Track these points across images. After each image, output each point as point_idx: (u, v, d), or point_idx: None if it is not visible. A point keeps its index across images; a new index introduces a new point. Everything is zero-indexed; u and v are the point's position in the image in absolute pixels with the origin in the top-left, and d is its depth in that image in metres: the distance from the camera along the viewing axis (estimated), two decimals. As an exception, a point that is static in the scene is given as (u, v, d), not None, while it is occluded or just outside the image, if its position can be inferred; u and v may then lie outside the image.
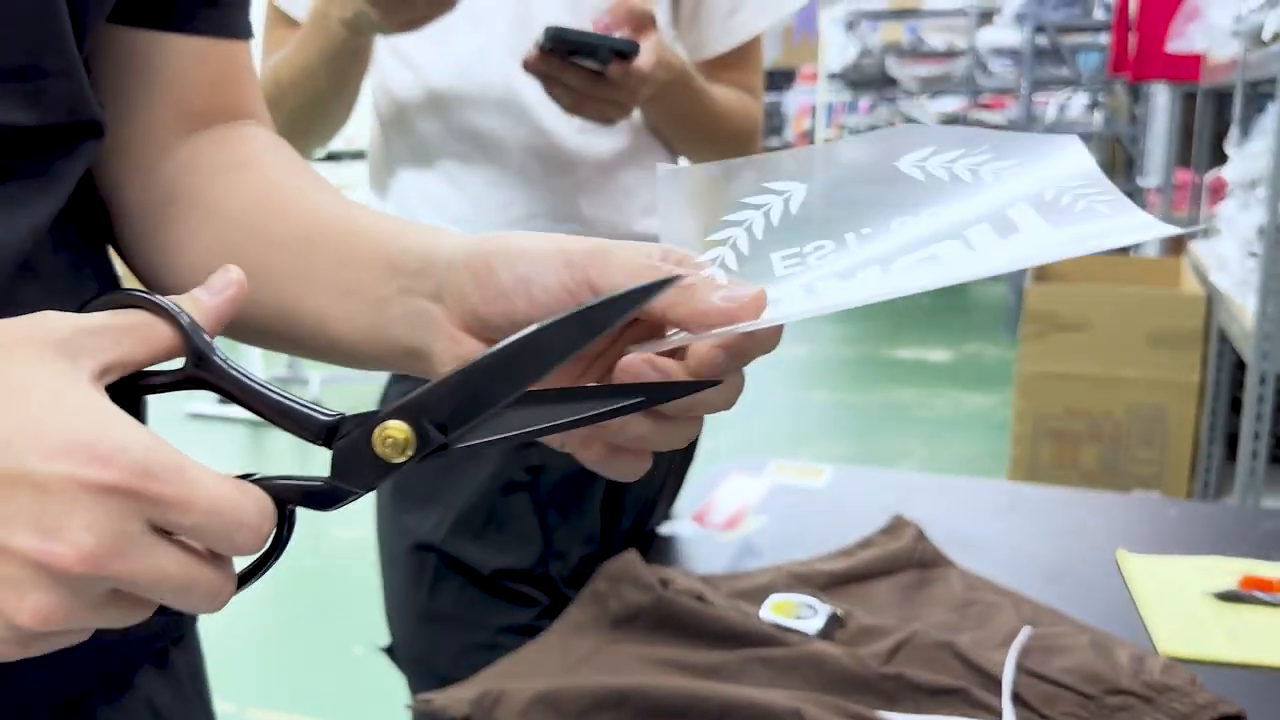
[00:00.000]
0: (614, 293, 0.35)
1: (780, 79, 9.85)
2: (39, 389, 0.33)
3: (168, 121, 0.51)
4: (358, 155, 5.81)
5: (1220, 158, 2.64)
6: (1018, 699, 0.72)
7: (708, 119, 1.01)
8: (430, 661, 0.98)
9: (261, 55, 0.98)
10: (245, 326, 0.48)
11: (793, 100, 10.19)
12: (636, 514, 1.07)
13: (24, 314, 0.42)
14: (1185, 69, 3.36)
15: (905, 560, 0.93)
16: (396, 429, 0.36)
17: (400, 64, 0.98)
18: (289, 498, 0.36)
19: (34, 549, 0.32)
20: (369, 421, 0.36)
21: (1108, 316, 2.69)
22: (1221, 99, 3.13)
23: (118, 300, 0.38)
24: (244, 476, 0.36)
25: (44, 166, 0.44)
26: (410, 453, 0.36)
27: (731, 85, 1.05)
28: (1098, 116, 6.27)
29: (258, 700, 2.21)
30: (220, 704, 0.62)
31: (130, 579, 0.33)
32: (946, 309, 6.30)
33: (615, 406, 0.37)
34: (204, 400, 4.29)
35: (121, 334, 0.37)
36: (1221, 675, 0.77)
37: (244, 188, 0.50)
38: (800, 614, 0.82)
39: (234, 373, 0.37)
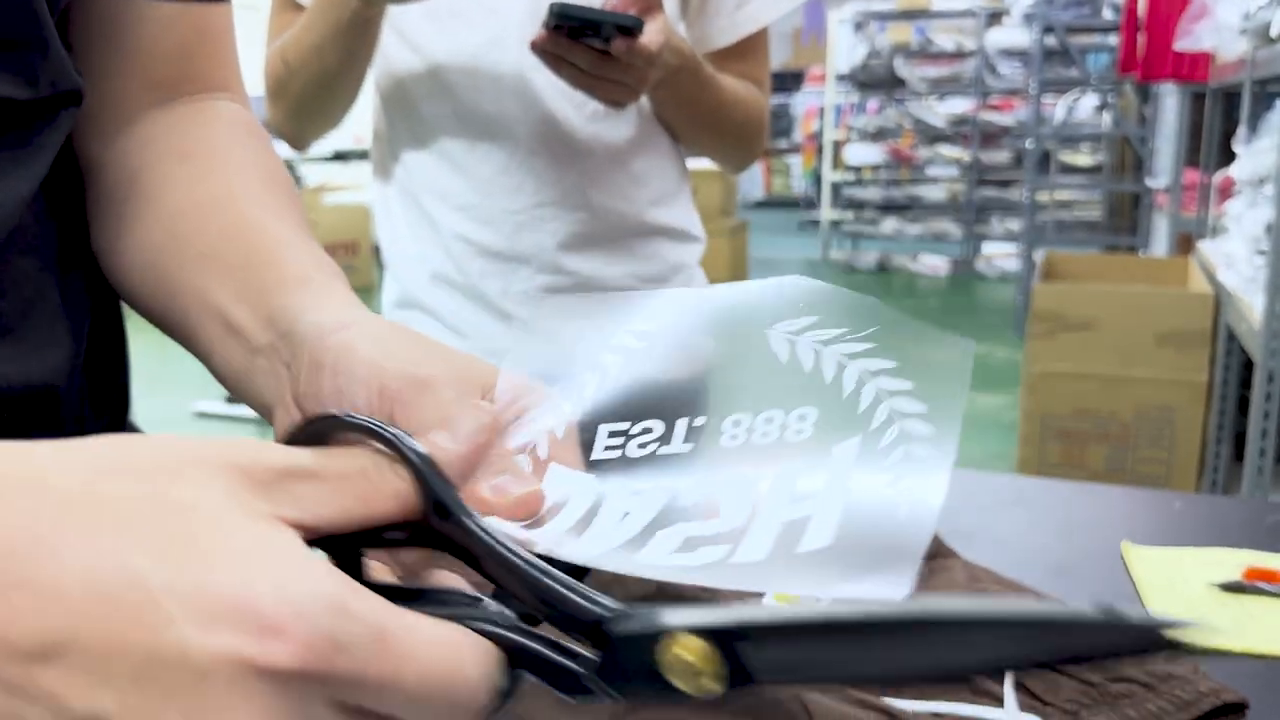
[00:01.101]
0: (1082, 615, 0.25)
1: (788, 80, 9.85)
2: (212, 526, 0.26)
3: (133, 90, 0.50)
4: (364, 155, 5.82)
5: (1229, 158, 2.64)
6: (1020, 686, 0.72)
7: (715, 108, 1.01)
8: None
9: (267, 39, 0.98)
10: (157, 324, 0.47)
11: (801, 102, 10.19)
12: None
13: (17, 286, 0.41)
14: (1194, 68, 3.36)
15: (909, 551, 0.93)
16: (692, 650, 0.27)
17: (407, 49, 0.98)
18: (528, 665, 0.28)
19: None
20: (656, 629, 0.27)
21: (1116, 316, 2.68)
22: (1230, 99, 3.13)
23: (338, 427, 0.32)
24: (473, 600, 0.29)
25: (28, 137, 0.43)
26: (709, 684, 0.27)
27: (739, 77, 1.05)
28: (1106, 117, 6.26)
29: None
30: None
31: None
32: (955, 309, 6.29)
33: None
34: (213, 398, 4.28)
35: (341, 484, 0.30)
36: (1224, 664, 0.77)
37: (181, 184, 0.47)
38: (802, 600, 0.82)
39: (485, 536, 0.30)
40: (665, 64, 0.90)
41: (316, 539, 0.29)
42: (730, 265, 5.58)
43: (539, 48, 0.87)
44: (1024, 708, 0.70)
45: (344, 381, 0.36)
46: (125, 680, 0.24)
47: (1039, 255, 3.52)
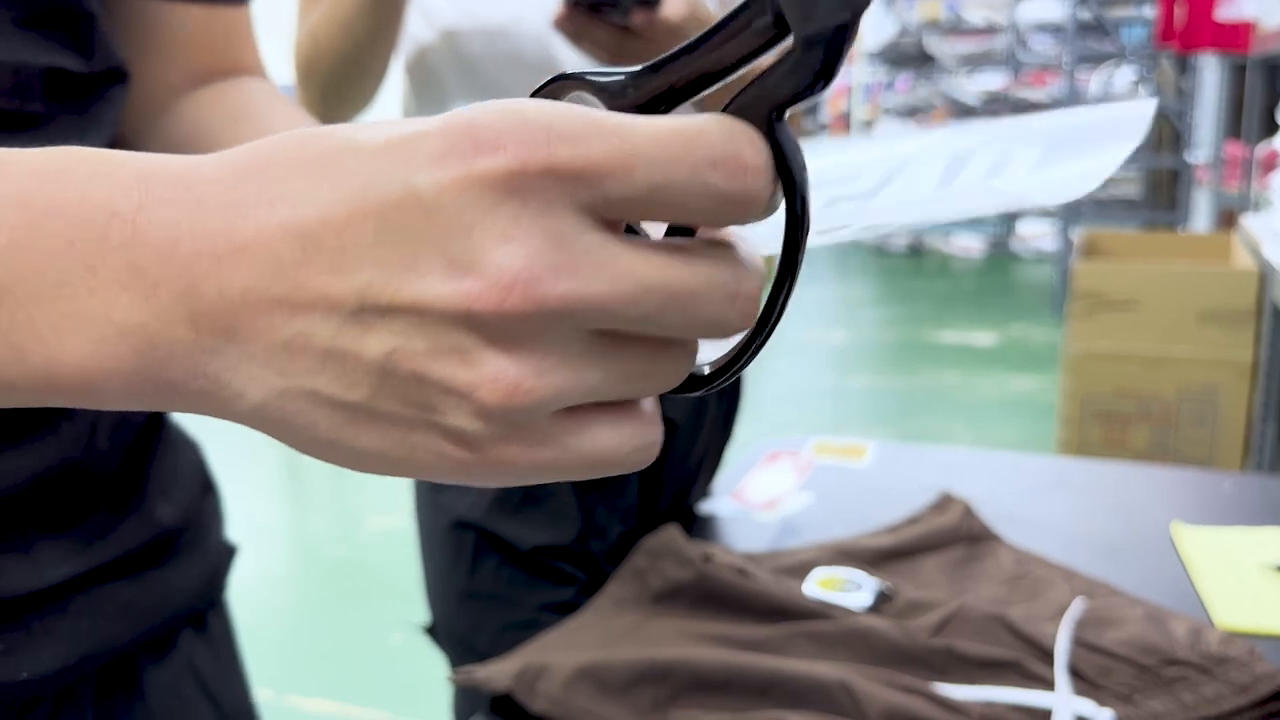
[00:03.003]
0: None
1: (818, 62, 9.75)
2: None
3: (170, 79, 0.52)
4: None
5: (1272, 129, 2.58)
6: (1072, 670, 0.70)
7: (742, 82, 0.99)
8: (470, 640, 0.98)
9: (297, 21, 0.98)
10: None
11: (830, 83, 10.10)
12: (676, 491, 1.06)
13: None
14: (1235, 38, 3.29)
15: (953, 536, 0.92)
16: None
17: (431, 29, 0.97)
18: (772, 100, 0.25)
19: (452, 293, 0.23)
20: None
21: (1157, 294, 2.63)
22: (1273, 69, 3.06)
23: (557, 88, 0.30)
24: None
25: (84, 110, 0.45)
26: None
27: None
28: (1143, 91, 6.15)
29: (297, 687, 2.23)
30: (260, 691, 0.62)
31: (597, 300, 0.23)
32: (990, 291, 6.22)
33: None
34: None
35: None
36: (1282, 648, 0.75)
37: (239, 138, 0.49)
38: (846, 588, 0.81)
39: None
40: (690, 37, 0.89)
41: None
42: (762, 249, 5.54)
43: (560, 25, 0.86)
44: (1076, 692, 0.68)
45: None
46: (374, 245, 0.23)
47: (1076, 234, 3.46)
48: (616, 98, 0.27)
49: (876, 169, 0.34)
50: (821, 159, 0.33)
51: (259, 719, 0.59)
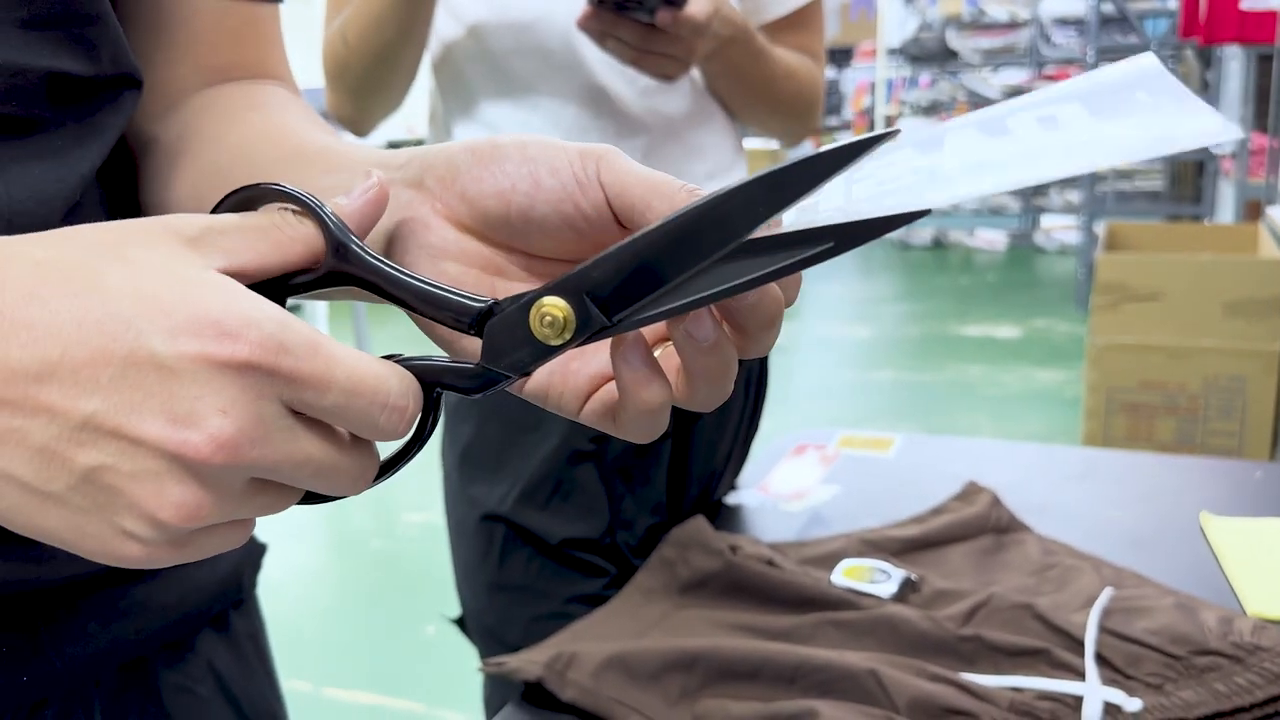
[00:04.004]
0: (819, 150, 0.30)
1: (838, 57, 9.73)
2: (158, 268, 0.31)
3: (185, 74, 0.51)
4: (418, 144, 5.85)
5: (1299, 118, 2.55)
6: (1101, 659, 0.70)
7: (769, 79, 0.99)
8: (500, 631, 0.99)
9: (325, 22, 0.98)
10: None
11: (850, 78, 10.07)
12: (702, 484, 1.06)
13: None
14: (1260, 29, 3.25)
15: (980, 526, 0.92)
16: (555, 307, 0.33)
17: (459, 27, 0.98)
18: (436, 379, 0.34)
19: (169, 439, 0.29)
20: (525, 300, 0.33)
21: (1182, 286, 2.61)
22: (1299, 58, 3.03)
23: (249, 197, 0.36)
24: (388, 357, 0.34)
25: (90, 116, 0.44)
26: (569, 334, 0.33)
27: (793, 49, 1.03)
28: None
29: (333, 680, 2.25)
30: (296, 684, 0.62)
31: (272, 465, 0.31)
32: (1014, 284, 6.18)
33: (800, 258, 0.32)
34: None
35: (258, 235, 0.34)
36: (1315, 636, 0.74)
37: (248, 124, 0.48)
38: (873, 578, 0.81)
39: (377, 263, 0.35)
40: (715, 34, 0.89)
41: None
42: (783, 245, 5.53)
43: (584, 25, 0.86)
44: (1106, 681, 0.68)
45: (535, 150, 0.36)
46: (111, 386, 0.29)
47: (1099, 226, 3.44)
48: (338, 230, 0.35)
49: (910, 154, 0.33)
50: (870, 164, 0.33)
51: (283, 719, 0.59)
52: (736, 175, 1.07)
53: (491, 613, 1.00)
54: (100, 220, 0.44)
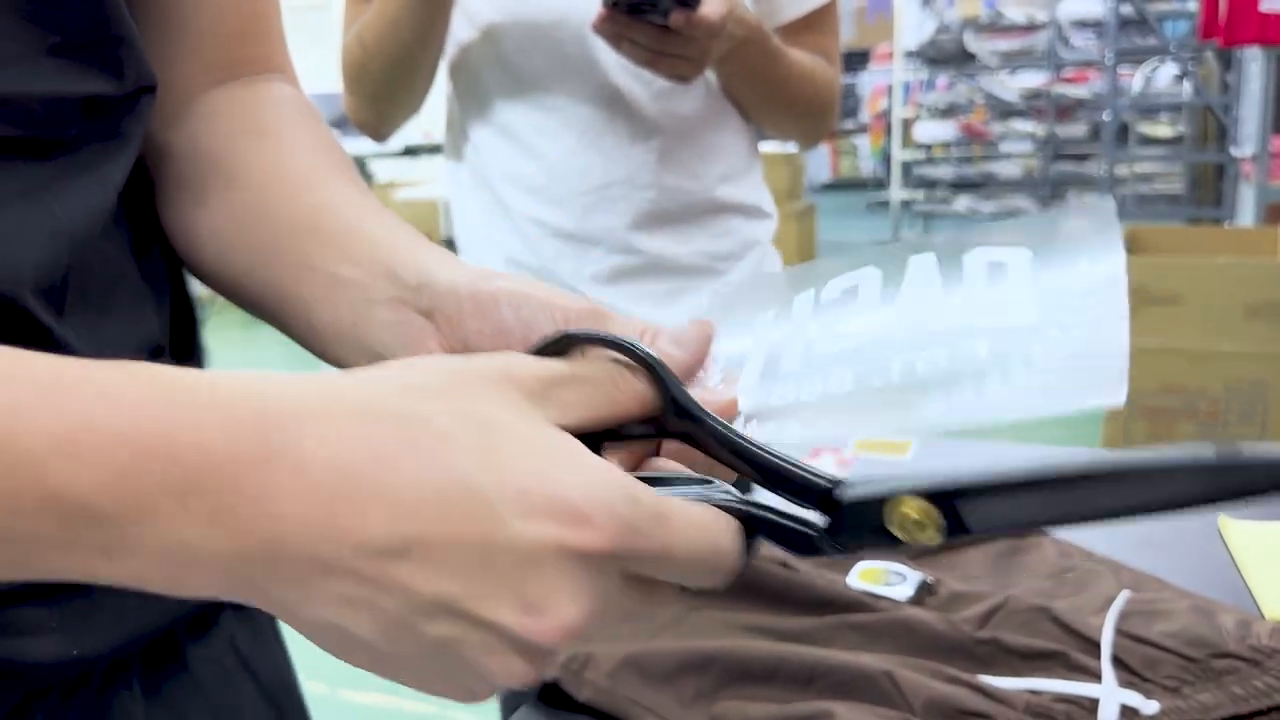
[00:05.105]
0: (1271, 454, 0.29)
1: (854, 60, 9.72)
2: (513, 434, 0.31)
3: (192, 72, 0.51)
4: (435, 150, 5.87)
5: (1320, 120, 2.54)
6: (1118, 662, 0.69)
7: (784, 80, 0.99)
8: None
9: (343, 29, 0.99)
10: (236, 295, 0.49)
11: (867, 81, 10.06)
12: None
13: (106, 271, 0.43)
14: (1281, 30, 3.23)
15: (996, 528, 0.91)
16: (916, 509, 0.33)
17: (475, 32, 0.98)
18: (766, 532, 0.34)
19: (519, 625, 0.30)
20: (884, 493, 0.33)
21: (1203, 289, 2.60)
22: (1320, 60, 3.01)
23: (577, 342, 0.37)
24: (704, 481, 0.34)
25: (117, 128, 0.45)
26: (932, 536, 0.33)
27: (808, 51, 1.03)
28: (1187, 86, 6.07)
29: (349, 682, 2.26)
30: (313, 685, 0.63)
31: (597, 630, 0.32)
32: (1031, 289, 6.15)
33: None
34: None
35: (595, 389, 0.35)
36: (1335, 640, 0.74)
37: (261, 161, 0.49)
38: (889, 580, 0.81)
39: (724, 431, 0.35)
40: (730, 35, 0.89)
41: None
42: (798, 248, 5.52)
43: (599, 28, 0.87)
44: (1123, 684, 0.68)
45: (528, 314, 0.40)
46: (465, 569, 0.29)
47: (1119, 230, 3.42)
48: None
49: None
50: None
51: (302, 697, 0.60)
52: (752, 177, 1.07)
53: (507, 614, 1.00)
54: (119, 223, 0.45)
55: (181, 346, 0.52)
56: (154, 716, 0.48)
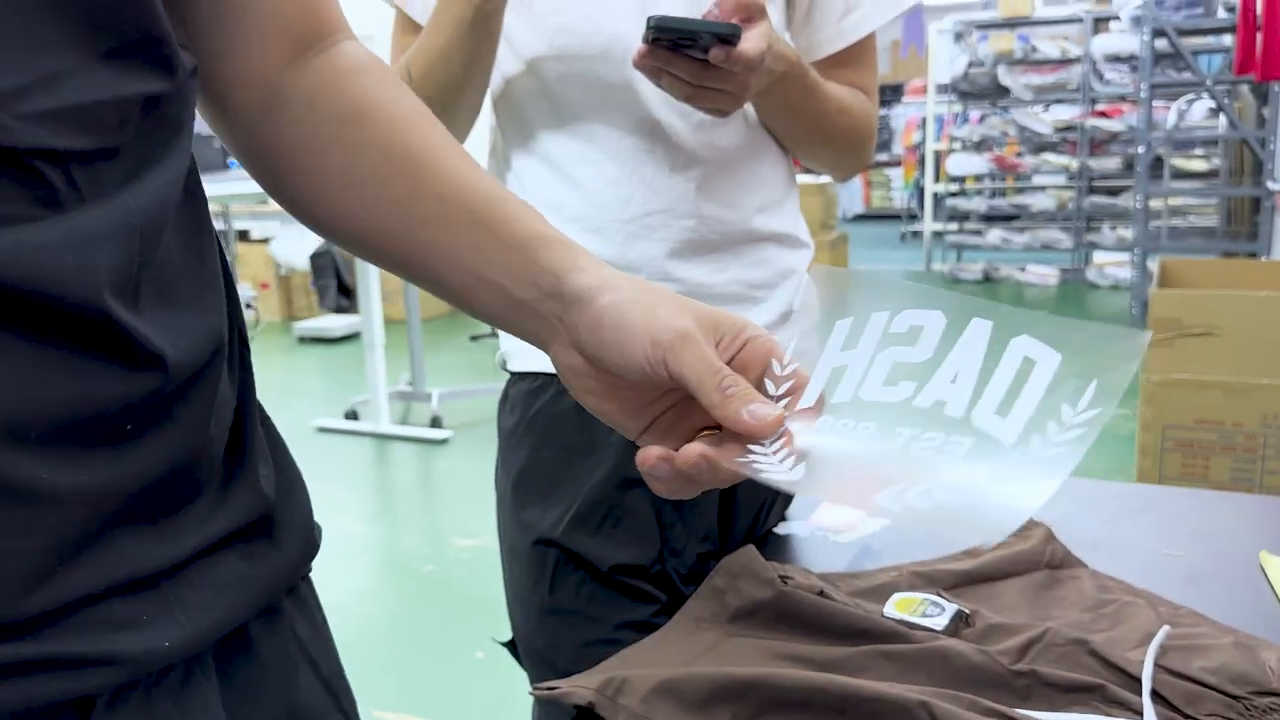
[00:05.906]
0: None
1: (887, 93, 9.73)
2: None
3: (270, 57, 0.56)
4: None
5: (1360, 155, 2.51)
6: (1158, 697, 0.69)
7: (822, 114, 1.00)
8: (550, 655, 0.99)
9: (390, 59, 1.01)
10: (396, 264, 0.58)
11: (900, 114, 10.06)
12: (752, 513, 1.06)
13: (171, 260, 0.47)
14: (1318, 65, 3.21)
15: (1034, 561, 0.91)
16: None
17: (519, 64, 1.00)
18: None
19: None
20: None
21: (1239, 322, 2.57)
22: (1359, 94, 2.98)
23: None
24: None
25: (173, 119, 0.46)
26: None
27: (845, 85, 1.04)
28: (1222, 120, 6.03)
29: (384, 702, 2.26)
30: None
31: None
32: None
33: None
34: (334, 416, 4.47)
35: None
36: (1380, 679, 0.73)
37: (369, 149, 0.56)
38: (925, 611, 0.80)
39: None
40: (769, 70, 0.90)
41: None
42: (831, 279, 5.50)
43: (640, 63, 0.88)
44: None
45: (624, 336, 0.50)
46: None
47: (1153, 263, 3.40)
48: None
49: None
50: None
51: (351, 689, 0.61)
52: (789, 207, 1.08)
53: (542, 637, 1.01)
54: (183, 215, 0.48)
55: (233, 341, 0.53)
56: (230, 702, 0.50)
